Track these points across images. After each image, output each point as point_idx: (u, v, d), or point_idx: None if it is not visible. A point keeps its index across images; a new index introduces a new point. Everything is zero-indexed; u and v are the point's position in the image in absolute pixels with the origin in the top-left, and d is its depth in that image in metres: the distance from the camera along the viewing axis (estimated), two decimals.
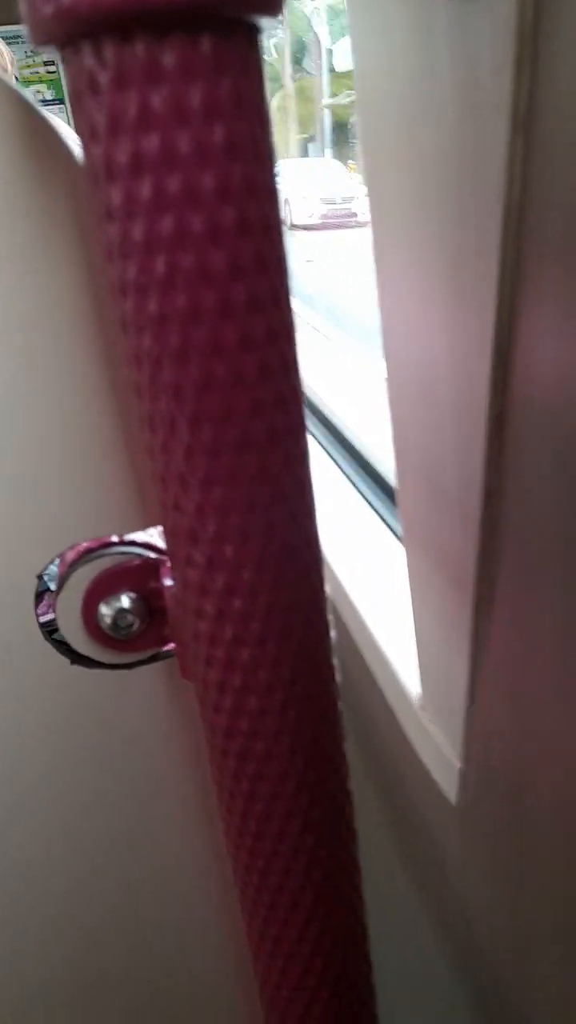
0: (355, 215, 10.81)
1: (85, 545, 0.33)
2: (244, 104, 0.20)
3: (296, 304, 0.24)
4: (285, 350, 0.24)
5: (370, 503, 0.97)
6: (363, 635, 0.71)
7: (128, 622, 0.32)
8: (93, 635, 0.33)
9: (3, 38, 2.07)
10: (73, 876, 0.45)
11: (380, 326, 0.46)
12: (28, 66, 3.44)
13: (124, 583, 0.32)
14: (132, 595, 0.32)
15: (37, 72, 3.47)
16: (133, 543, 0.32)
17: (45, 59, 3.46)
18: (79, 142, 0.21)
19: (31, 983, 0.47)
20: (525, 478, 0.34)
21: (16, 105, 0.31)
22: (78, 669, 0.34)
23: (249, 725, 0.28)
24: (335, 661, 0.30)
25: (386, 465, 1.01)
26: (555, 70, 0.25)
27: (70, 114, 0.24)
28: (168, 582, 0.31)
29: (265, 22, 0.21)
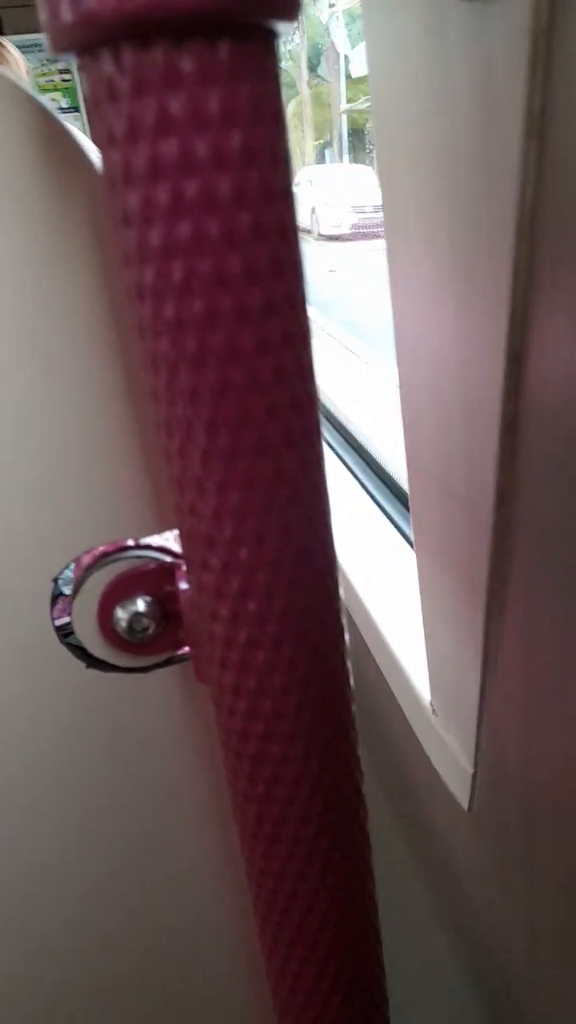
0: None
1: (101, 549, 0.33)
2: (261, 109, 0.20)
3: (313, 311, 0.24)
4: (301, 354, 0.24)
5: (388, 515, 0.97)
6: (375, 640, 0.71)
7: (143, 625, 0.32)
8: (108, 638, 0.33)
9: (18, 47, 2.08)
10: (87, 879, 0.45)
11: (393, 329, 0.46)
12: (44, 74, 3.46)
13: (140, 587, 0.32)
14: (147, 599, 0.32)
15: (52, 80, 3.49)
16: (149, 547, 0.33)
17: (60, 67, 3.48)
18: (97, 148, 0.21)
19: (45, 985, 0.47)
20: (537, 483, 0.34)
21: (34, 112, 0.31)
22: (93, 672, 0.34)
23: (264, 728, 0.28)
24: (349, 664, 0.30)
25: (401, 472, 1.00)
26: (569, 72, 0.25)
27: (86, 122, 0.24)
28: (183, 586, 0.31)
29: (282, 27, 0.21)
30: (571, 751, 0.37)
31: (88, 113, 0.21)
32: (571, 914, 0.41)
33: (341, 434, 1.26)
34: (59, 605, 0.32)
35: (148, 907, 0.47)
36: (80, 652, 0.34)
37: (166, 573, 0.32)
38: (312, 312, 0.25)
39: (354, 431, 1.21)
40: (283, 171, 0.22)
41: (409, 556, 0.84)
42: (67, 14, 0.18)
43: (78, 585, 0.32)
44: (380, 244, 0.44)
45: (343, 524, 0.94)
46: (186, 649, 0.34)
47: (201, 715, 0.43)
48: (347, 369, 1.49)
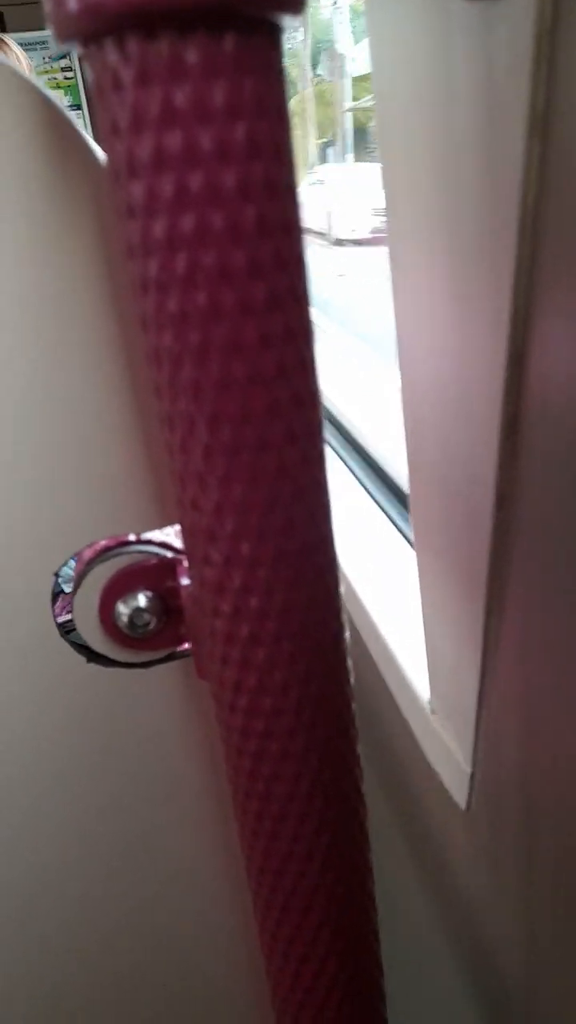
0: None
1: (102, 544, 0.33)
2: (266, 103, 0.20)
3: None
4: (303, 349, 0.24)
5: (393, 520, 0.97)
6: (374, 639, 0.71)
7: (145, 621, 0.32)
8: (110, 634, 0.33)
9: (21, 44, 2.08)
10: (87, 876, 0.45)
11: (395, 329, 0.46)
12: (46, 72, 3.47)
13: (141, 582, 0.32)
14: (149, 594, 0.32)
15: (55, 78, 3.50)
16: (150, 542, 0.33)
17: (62, 65, 3.49)
18: (101, 139, 0.21)
19: (44, 984, 0.47)
20: (538, 483, 0.34)
21: (40, 104, 0.31)
22: (94, 669, 0.34)
23: (264, 725, 0.28)
24: (349, 662, 0.30)
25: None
26: (573, 72, 0.25)
27: (87, 119, 0.24)
28: (185, 581, 0.31)
29: (287, 21, 0.21)
30: (569, 751, 0.36)
31: (92, 104, 0.21)
32: (568, 912, 0.41)
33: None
34: (60, 600, 0.32)
35: (147, 905, 0.47)
36: (81, 647, 0.33)
37: (167, 568, 0.32)
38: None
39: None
40: (287, 165, 0.22)
41: (407, 554, 0.84)
42: (72, 3, 0.18)
43: (79, 580, 0.32)
44: None
45: (343, 523, 0.94)
46: (187, 645, 0.33)
47: (201, 712, 0.43)
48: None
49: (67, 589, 0.32)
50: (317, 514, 0.26)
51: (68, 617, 0.33)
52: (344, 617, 0.29)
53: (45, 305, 0.33)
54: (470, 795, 0.51)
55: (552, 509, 0.33)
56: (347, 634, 0.29)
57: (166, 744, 0.43)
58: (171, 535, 0.33)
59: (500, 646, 0.41)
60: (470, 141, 0.32)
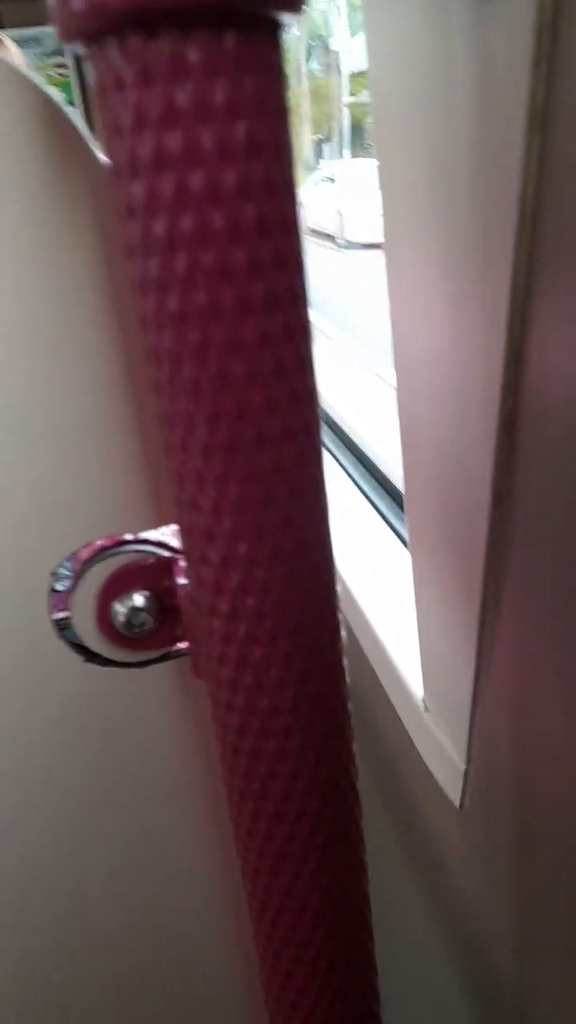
0: None
1: (99, 543, 0.33)
2: (266, 101, 0.20)
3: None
4: (302, 348, 0.24)
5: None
6: (368, 638, 0.71)
7: (141, 620, 0.32)
8: (106, 633, 0.33)
9: (16, 41, 2.07)
10: (80, 874, 0.45)
11: (390, 326, 0.46)
12: (40, 68, 3.46)
13: (138, 581, 0.32)
14: (146, 593, 0.32)
15: (49, 75, 3.48)
16: (147, 541, 0.33)
17: (56, 62, 3.47)
18: (102, 138, 0.21)
19: (36, 981, 0.47)
20: (534, 482, 0.34)
21: (39, 102, 0.31)
22: (90, 667, 0.34)
23: (260, 723, 0.28)
24: (345, 661, 0.30)
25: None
26: (573, 68, 0.25)
27: (82, 115, 0.24)
28: (181, 580, 0.31)
29: (288, 19, 0.21)
30: (563, 748, 0.37)
31: (87, 101, 0.21)
32: (562, 911, 0.41)
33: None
34: (57, 599, 0.32)
35: (139, 904, 0.47)
36: (77, 646, 0.33)
37: (164, 568, 0.32)
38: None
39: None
40: (287, 164, 0.22)
41: (401, 553, 0.84)
42: (76, 2, 0.18)
43: (76, 579, 0.32)
44: None
45: (338, 524, 0.93)
46: (183, 644, 0.33)
47: (197, 711, 0.43)
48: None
49: (64, 588, 0.32)
50: (314, 512, 0.26)
51: (64, 616, 0.33)
52: (340, 615, 0.29)
53: (44, 304, 0.33)
54: (464, 792, 0.51)
55: (549, 507, 0.33)
56: (343, 632, 0.29)
57: (162, 744, 0.43)
58: (168, 534, 0.33)
59: (494, 644, 0.42)
60: (468, 138, 0.32)
